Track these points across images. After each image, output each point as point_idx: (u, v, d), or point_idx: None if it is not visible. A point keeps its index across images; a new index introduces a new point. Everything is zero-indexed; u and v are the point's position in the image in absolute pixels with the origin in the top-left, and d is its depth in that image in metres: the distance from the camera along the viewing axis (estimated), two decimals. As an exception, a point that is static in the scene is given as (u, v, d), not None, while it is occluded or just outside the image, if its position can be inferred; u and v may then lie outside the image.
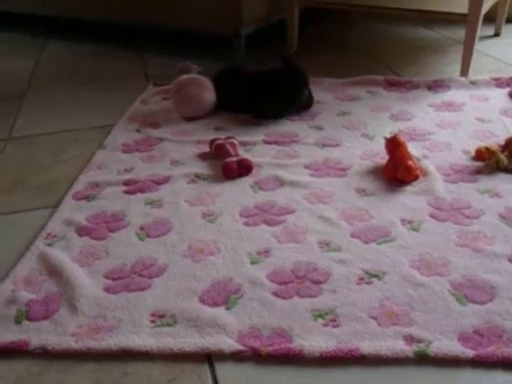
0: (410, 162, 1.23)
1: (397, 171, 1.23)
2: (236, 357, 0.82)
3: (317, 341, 0.83)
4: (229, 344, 0.84)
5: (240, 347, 0.83)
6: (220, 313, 0.90)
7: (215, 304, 0.92)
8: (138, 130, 1.55)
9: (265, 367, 0.81)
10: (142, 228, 1.12)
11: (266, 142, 1.44)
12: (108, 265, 1.02)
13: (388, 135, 1.32)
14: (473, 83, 1.75)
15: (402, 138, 1.30)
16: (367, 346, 0.82)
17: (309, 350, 0.82)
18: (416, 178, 1.24)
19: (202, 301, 0.92)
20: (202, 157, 1.39)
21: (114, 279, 0.98)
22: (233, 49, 1.98)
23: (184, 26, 2.06)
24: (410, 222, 1.10)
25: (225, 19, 1.94)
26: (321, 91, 1.75)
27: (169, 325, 0.88)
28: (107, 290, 0.96)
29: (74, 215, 1.17)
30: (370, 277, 0.96)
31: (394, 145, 1.28)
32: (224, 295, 0.93)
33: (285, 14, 2.07)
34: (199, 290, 0.95)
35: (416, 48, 2.20)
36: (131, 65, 2.11)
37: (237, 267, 1.00)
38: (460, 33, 1.83)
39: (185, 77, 1.62)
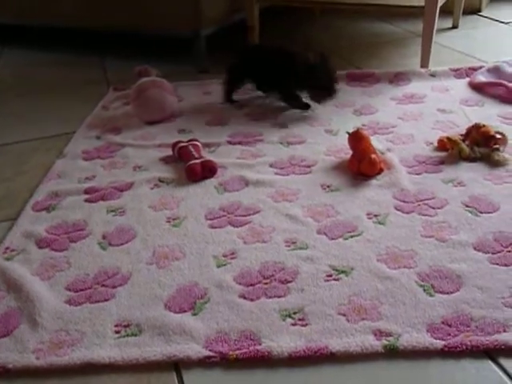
0: (373, 156, 1.23)
1: (361, 165, 1.23)
2: (204, 363, 0.80)
3: (286, 341, 0.82)
4: (196, 350, 0.82)
5: (208, 353, 0.81)
6: (186, 319, 0.87)
7: (181, 310, 0.89)
8: (98, 137, 1.51)
9: (234, 372, 0.79)
10: (104, 237, 1.09)
11: (230, 143, 1.43)
12: (70, 276, 0.99)
13: (351, 130, 1.31)
14: (433, 75, 1.77)
15: (365, 132, 1.30)
16: (336, 344, 0.81)
17: (278, 351, 0.80)
18: (380, 171, 1.24)
19: (168, 308, 0.90)
20: (165, 161, 1.36)
21: (76, 291, 0.95)
22: (193, 50, 1.95)
23: (143, 28, 2.02)
24: (375, 216, 1.10)
25: (184, 20, 1.90)
26: (284, 89, 1.74)
27: (134, 334, 0.85)
28: (69, 302, 0.93)
29: (33, 227, 1.13)
30: (337, 273, 0.95)
31: (356, 139, 1.28)
32: (190, 301, 0.91)
33: (245, 14, 2.06)
34: (164, 296, 0.92)
35: (377, 42, 2.22)
36: (91, 71, 2.07)
37: (203, 271, 0.98)
38: (420, 26, 1.84)
39: (145, 80, 1.59)
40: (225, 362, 0.80)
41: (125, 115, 1.63)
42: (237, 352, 0.81)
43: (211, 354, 0.81)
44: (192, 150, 1.31)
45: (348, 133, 1.30)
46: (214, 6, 1.96)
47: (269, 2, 2.10)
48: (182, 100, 1.72)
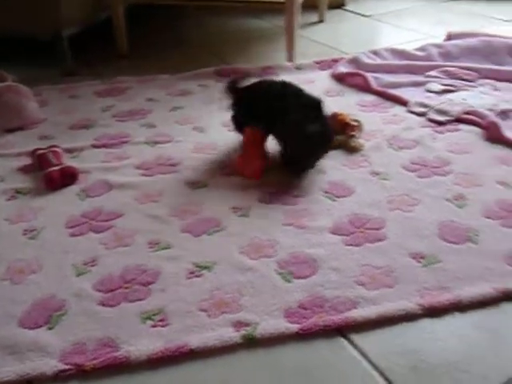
0: (257, 162, 1.22)
1: (245, 169, 1.22)
2: (59, 378, 0.77)
3: (144, 344, 0.81)
4: (51, 365, 0.78)
5: (63, 366, 0.78)
6: (42, 334, 0.83)
7: (37, 325, 0.85)
8: (-51, 150, 1.40)
9: (91, 382, 0.77)
10: (-47, 256, 1.01)
11: (95, 146, 1.38)
12: None
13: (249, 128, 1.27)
14: (298, 68, 1.83)
15: (260, 135, 1.27)
16: (196, 340, 0.81)
17: (136, 355, 0.79)
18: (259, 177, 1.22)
19: (22, 324, 0.85)
20: (24, 170, 1.29)
21: None
22: (56, 52, 1.86)
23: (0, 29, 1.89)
24: (240, 209, 1.12)
25: (42, 20, 1.80)
26: (153, 88, 1.72)
27: (-17, 357, 0.80)
28: None
29: None
30: (200, 270, 0.95)
31: (249, 140, 1.26)
32: (46, 314, 0.87)
33: (111, 12, 2.00)
34: (19, 313, 0.88)
35: (247, 38, 2.25)
36: None
37: (61, 282, 0.94)
38: (287, 21, 1.91)
39: (2, 85, 1.50)
40: (82, 374, 0.78)
41: (-19, 124, 1.53)
42: (94, 362, 0.78)
43: (66, 366, 0.78)
44: (51, 156, 1.25)
45: (245, 129, 1.28)
46: (75, 5, 1.88)
47: (133, 0, 2.05)
48: (45, 105, 1.64)
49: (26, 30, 1.84)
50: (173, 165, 1.29)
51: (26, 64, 1.87)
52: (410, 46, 1.94)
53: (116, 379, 0.77)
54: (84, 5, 1.93)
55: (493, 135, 1.36)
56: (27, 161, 1.31)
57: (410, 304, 0.87)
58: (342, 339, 0.82)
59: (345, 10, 2.61)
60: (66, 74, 1.87)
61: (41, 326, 0.85)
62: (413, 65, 1.78)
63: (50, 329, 0.84)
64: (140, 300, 0.89)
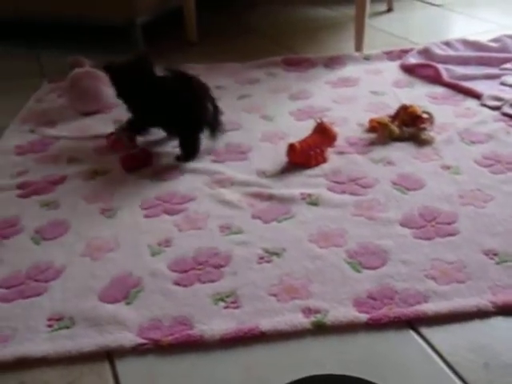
0: (312, 152, 1.23)
1: (300, 157, 1.23)
2: (137, 351, 0.81)
3: (217, 324, 0.84)
4: (129, 339, 0.82)
5: (140, 340, 0.82)
6: (120, 309, 0.88)
7: (115, 300, 0.90)
8: (32, 131, 1.48)
9: (166, 357, 0.80)
10: (37, 231, 1.08)
11: (167, 132, 1.42)
12: (2, 273, 0.98)
13: (318, 120, 1.28)
14: (367, 58, 1.81)
15: (329, 127, 1.27)
16: (267, 323, 0.83)
17: (209, 334, 0.82)
18: (315, 165, 1.23)
19: (102, 299, 0.90)
20: (101, 152, 1.35)
21: (7, 287, 0.94)
22: (130, 39, 1.92)
23: (78, 17, 1.97)
24: (309, 196, 1.13)
25: (118, 7, 1.87)
26: (221, 76, 1.75)
27: (66, 327, 0.85)
28: (1, 299, 0.92)
29: (-36, 225, 1.11)
30: (270, 255, 0.97)
31: (316, 130, 1.27)
32: (124, 290, 0.91)
33: (182, 1, 2.04)
34: (98, 288, 0.92)
35: (315, 27, 2.24)
36: (24, 62, 2.01)
37: (137, 261, 0.98)
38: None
39: (79, 70, 1.57)
40: (158, 349, 0.81)
41: (60, 107, 1.60)
42: (169, 338, 0.82)
43: (144, 341, 0.82)
44: (126, 139, 1.30)
45: (316, 120, 1.28)
46: (148, -6, 1.94)
47: (205, -12, 2.08)
48: (118, 90, 1.69)
49: (102, 18, 1.92)
50: (242, 152, 1.31)
51: (101, 50, 1.94)
52: (483, 37, 1.87)
53: (190, 356, 0.81)
54: (157, -6, 1.99)
55: None
56: (103, 143, 1.37)
57: (482, 301, 0.85)
58: (412, 332, 0.83)
59: (414, -2, 2.56)
60: (137, 60, 1.93)
61: (119, 301, 0.89)
62: (487, 56, 1.72)
63: (127, 304, 0.89)
64: (212, 282, 0.92)
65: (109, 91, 1.58)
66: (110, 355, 0.81)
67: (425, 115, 1.34)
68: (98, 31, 2.12)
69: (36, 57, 2.06)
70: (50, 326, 0.86)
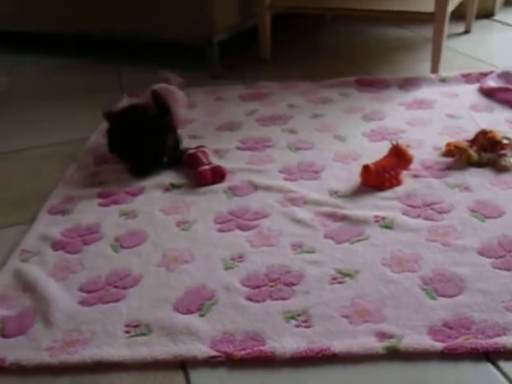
0: (386, 175, 1.22)
1: (374, 178, 1.22)
2: (209, 363, 0.83)
3: (288, 342, 0.84)
4: (202, 350, 0.84)
5: (213, 353, 0.84)
6: (194, 320, 0.90)
7: (189, 311, 0.92)
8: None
9: (238, 371, 0.82)
10: (116, 239, 1.12)
11: (239, 148, 1.45)
12: (83, 278, 1.02)
13: (394, 142, 1.28)
14: (443, 80, 1.77)
15: (404, 149, 1.26)
16: (338, 345, 0.83)
17: (281, 351, 0.83)
18: (389, 188, 1.22)
19: (176, 309, 0.93)
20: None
21: (88, 292, 0.99)
22: (206, 57, 1.98)
23: (158, 35, 2.06)
24: (383, 219, 1.12)
25: (197, 26, 1.94)
26: (294, 95, 1.77)
27: (143, 334, 0.88)
28: (82, 303, 0.96)
29: (49, 230, 1.17)
30: (342, 276, 0.97)
31: (391, 152, 1.26)
32: (198, 302, 0.94)
33: (256, 21, 2.09)
34: (173, 298, 0.95)
35: (389, 48, 2.23)
36: (105, 77, 2.11)
37: (210, 274, 1.00)
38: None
39: (157, 86, 1.63)
40: (230, 362, 0.83)
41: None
42: (242, 352, 0.83)
43: (217, 353, 0.83)
44: (201, 156, 1.34)
45: (391, 143, 1.28)
46: (226, 13, 1.99)
47: (280, 9, 2.12)
48: (194, 106, 1.75)
49: (180, 36, 1.99)
50: (315, 172, 1.32)
51: (179, 66, 2.01)
52: None
53: (260, 372, 0.81)
54: (234, 14, 2.04)
55: None
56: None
57: None
58: (489, 364, 0.80)
59: (494, 20, 2.49)
60: (213, 76, 1.99)
61: (192, 313, 0.92)
62: None
63: (201, 316, 0.91)
64: (284, 299, 0.93)
65: (182, 110, 1.65)
66: (183, 364, 0.83)
67: (505, 141, 1.30)
68: (174, 47, 2.20)
69: (116, 71, 2.16)
70: (127, 331, 0.89)
